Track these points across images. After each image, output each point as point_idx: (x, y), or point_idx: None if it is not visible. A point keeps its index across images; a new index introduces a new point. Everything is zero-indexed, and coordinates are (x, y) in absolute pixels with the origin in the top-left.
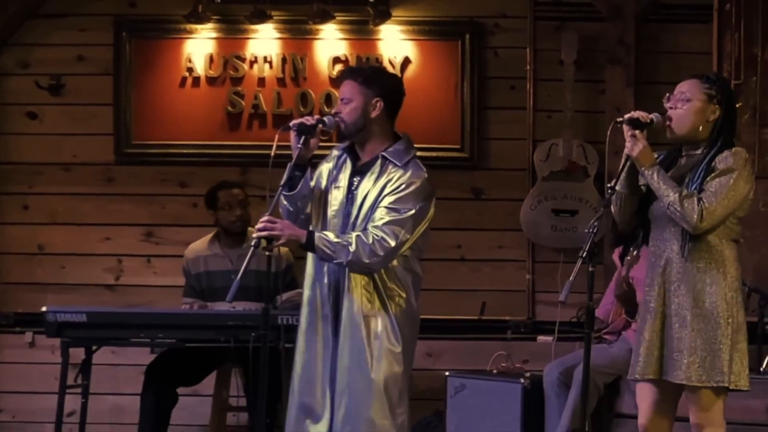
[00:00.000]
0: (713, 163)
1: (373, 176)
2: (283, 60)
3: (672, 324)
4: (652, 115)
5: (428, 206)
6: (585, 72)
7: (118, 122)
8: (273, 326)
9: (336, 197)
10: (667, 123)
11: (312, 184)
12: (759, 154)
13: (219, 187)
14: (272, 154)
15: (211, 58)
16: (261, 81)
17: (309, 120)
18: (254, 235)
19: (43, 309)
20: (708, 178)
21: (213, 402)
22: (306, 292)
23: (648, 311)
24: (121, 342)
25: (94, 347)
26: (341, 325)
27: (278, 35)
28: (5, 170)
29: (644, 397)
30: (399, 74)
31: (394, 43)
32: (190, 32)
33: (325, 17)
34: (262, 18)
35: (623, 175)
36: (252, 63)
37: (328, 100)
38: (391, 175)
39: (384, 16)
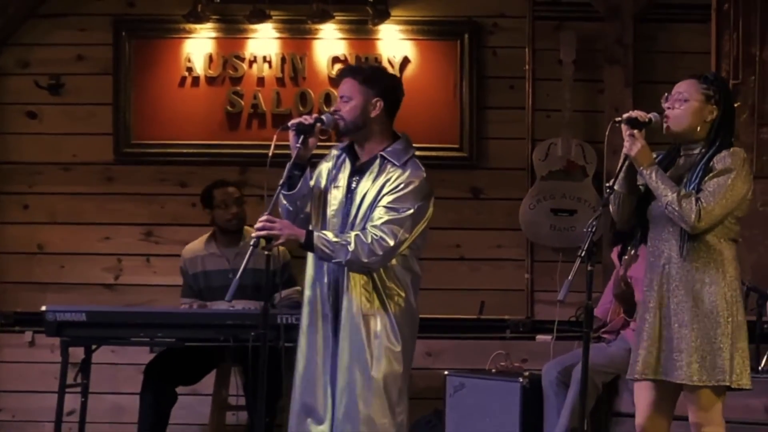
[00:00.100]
0: (711, 163)
1: (372, 176)
2: (283, 60)
3: (671, 324)
4: (650, 115)
5: (427, 205)
6: (583, 72)
7: (117, 122)
8: (272, 325)
9: (335, 197)
10: (665, 123)
11: (311, 183)
12: (757, 153)
13: (214, 186)
14: (270, 153)
15: (210, 58)
16: (260, 80)
17: (307, 119)
18: (253, 235)
19: (43, 308)
20: (706, 178)
21: (212, 401)
22: (306, 291)
23: (647, 311)
24: (121, 341)
25: (93, 346)
26: (341, 324)
27: (277, 35)
28: (5, 170)
29: (642, 396)
30: (398, 74)
31: (393, 43)
32: (190, 32)
33: (325, 17)
34: (261, 18)
35: (621, 174)
36: (251, 63)
37: (328, 99)
38: (390, 175)
39: (383, 16)
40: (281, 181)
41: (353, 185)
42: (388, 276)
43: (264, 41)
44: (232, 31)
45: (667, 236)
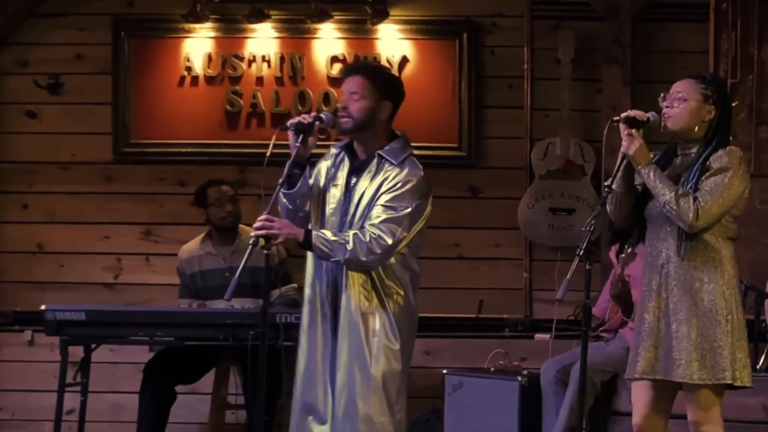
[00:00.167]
0: (708, 162)
1: (370, 174)
2: (282, 59)
3: (670, 323)
4: (648, 114)
5: (425, 204)
6: (582, 71)
7: (116, 121)
8: (271, 324)
9: (334, 195)
10: (663, 122)
11: (311, 182)
12: (755, 152)
13: (208, 185)
14: (268, 153)
15: (209, 58)
16: (259, 80)
17: (306, 118)
18: (252, 234)
19: (42, 307)
20: (703, 177)
21: (211, 400)
22: (306, 290)
23: (646, 310)
24: (120, 340)
25: (93, 345)
26: (340, 323)
27: (276, 34)
28: (4, 169)
29: (640, 396)
30: (397, 73)
31: (392, 42)
32: (189, 31)
33: (323, 16)
34: (260, 17)
35: (619, 173)
36: (250, 62)
37: (326, 99)
38: (388, 174)
39: (382, 16)
40: (281, 180)
41: (352, 184)
42: (387, 274)
43: (263, 41)
44: (231, 30)
45: (664, 235)
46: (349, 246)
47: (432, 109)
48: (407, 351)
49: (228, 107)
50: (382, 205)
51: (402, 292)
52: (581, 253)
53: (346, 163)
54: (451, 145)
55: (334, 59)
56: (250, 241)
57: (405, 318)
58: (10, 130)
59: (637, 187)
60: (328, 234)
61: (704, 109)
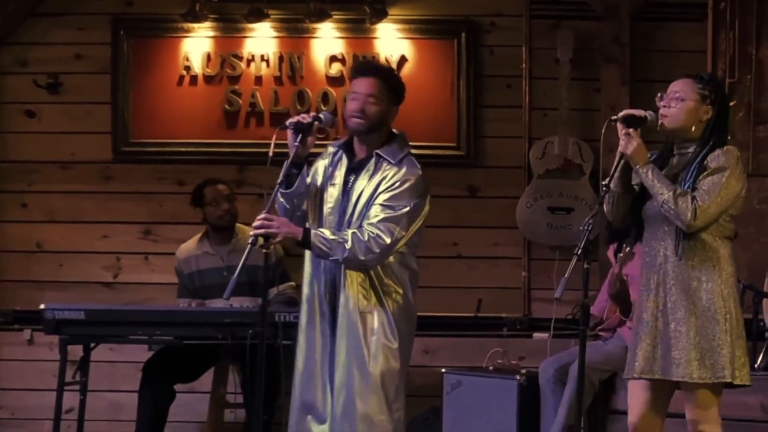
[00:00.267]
0: (705, 161)
1: (368, 174)
2: (280, 58)
3: (669, 322)
4: (646, 113)
5: (423, 203)
6: (580, 70)
7: (115, 120)
8: (270, 323)
9: (332, 194)
10: (660, 121)
11: (308, 181)
12: (753, 151)
13: (204, 185)
14: (270, 153)
15: (208, 57)
16: (258, 79)
17: (305, 118)
18: (251, 233)
19: (42, 306)
20: (700, 177)
21: (210, 399)
22: (304, 289)
23: (644, 310)
24: (119, 339)
25: (92, 344)
26: (338, 321)
27: (275, 34)
28: (3, 168)
29: (636, 395)
30: None
31: (391, 42)
32: (188, 31)
33: (322, 16)
34: (259, 17)
35: (617, 173)
36: (249, 61)
37: (325, 98)
38: (386, 173)
39: (380, 15)
40: (279, 180)
41: (350, 183)
42: (386, 273)
43: (262, 40)
44: (230, 30)
45: (662, 235)
46: (348, 245)
47: (431, 108)
48: (406, 350)
49: (227, 107)
50: (381, 204)
51: (401, 291)
52: (579, 252)
53: (344, 162)
54: (449, 144)
55: (333, 59)
56: (249, 240)
57: (404, 317)
58: (10, 129)
59: (635, 186)
60: (326, 233)
61: (701, 109)
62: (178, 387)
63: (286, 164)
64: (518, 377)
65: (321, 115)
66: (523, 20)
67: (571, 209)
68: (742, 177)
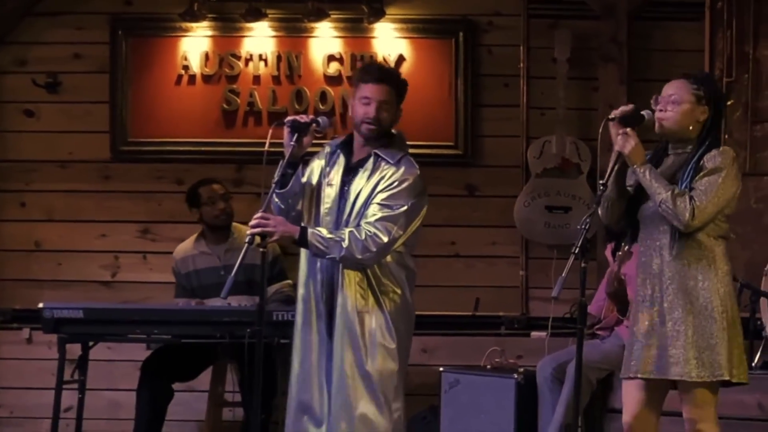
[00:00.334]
0: (702, 161)
1: (366, 173)
2: (278, 58)
3: (666, 321)
4: (643, 112)
5: (421, 203)
6: (578, 69)
7: (114, 120)
8: (268, 322)
9: (329, 194)
10: (657, 125)
11: (303, 180)
12: (751, 151)
13: (199, 185)
14: (266, 148)
15: (206, 56)
16: (256, 79)
17: (303, 118)
18: (248, 232)
19: (40, 305)
20: (697, 177)
21: (208, 397)
22: (300, 289)
23: (640, 310)
24: (118, 338)
25: (90, 343)
26: (335, 321)
27: (273, 33)
28: (2, 167)
29: (631, 394)
30: None
31: (389, 41)
32: (186, 30)
33: (320, 15)
34: (257, 16)
35: (611, 179)
36: (247, 61)
37: (323, 97)
38: (384, 172)
39: (378, 14)
40: (275, 179)
41: (347, 183)
42: (383, 273)
43: (260, 39)
44: (228, 29)
45: (658, 235)
46: (345, 243)
47: (428, 107)
48: (404, 349)
49: (225, 106)
50: (378, 204)
51: (399, 291)
52: (577, 251)
53: (342, 162)
54: (447, 143)
55: (331, 58)
56: (246, 239)
57: (402, 316)
58: (8, 128)
59: (629, 190)
60: (323, 231)
61: (698, 110)
62: (176, 386)
63: (281, 164)
64: (516, 376)
65: (319, 119)
66: (520, 20)
67: (568, 208)
68: (738, 177)
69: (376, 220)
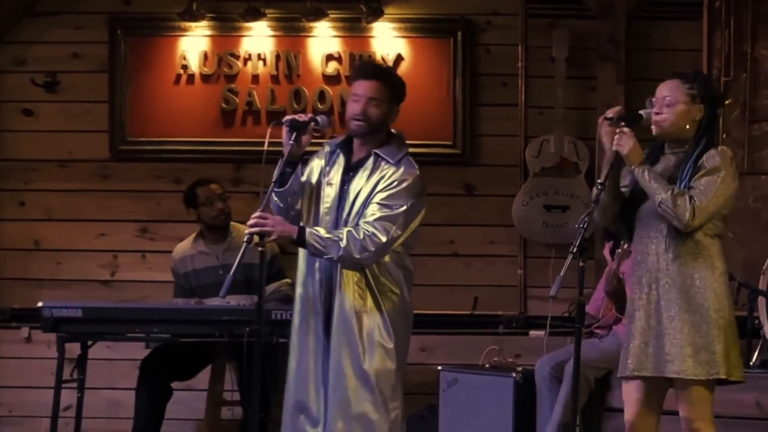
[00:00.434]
0: (700, 161)
1: (366, 173)
2: (277, 57)
3: (662, 320)
4: (641, 111)
5: (420, 203)
6: (576, 69)
7: (113, 119)
8: (266, 321)
9: (329, 194)
10: (654, 127)
11: (303, 179)
12: (749, 150)
13: (196, 185)
14: (265, 147)
15: (205, 56)
16: (255, 78)
17: (301, 117)
18: (246, 231)
19: (39, 304)
20: (695, 177)
21: (207, 396)
22: (298, 289)
23: (636, 308)
24: (117, 337)
25: (89, 342)
26: (333, 321)
27: (272, 33)
28: (1, 167)
29: (631, 393)
30: None
31: (387, 41)
32: (185, 30)
33: (319, 15)
34: (255, 15)
35: (607, 183)
36: (246, 60)
37: (322, 96)
38: (384, 172)
39: (377, 14)
40: (273, 178)
41: (347, 182)
42: (382, 272)
43: (258, 39)
44: (227, 29)
45: (654, 234)
46: (343, 243)
47: (427, 107)
48: (402, 349)
49: (224, 105)
50: (378, 203)
51: (397, 290)
52: (575, 250)
53: (341, 162)
54: (445, 142)
55: (330, 57)
56: (245, 239)
57: (400, 316)
58: (7, 128)
59: (623, 192)
60: (321, 231)
61: (693, 110)
62: (175, 384)
63: (280, 163)
64: (514, 375)
65: (318, 118)
66: (519, 19)
67: (566, 207)
68: (736, 177)
69: (375, 220)
